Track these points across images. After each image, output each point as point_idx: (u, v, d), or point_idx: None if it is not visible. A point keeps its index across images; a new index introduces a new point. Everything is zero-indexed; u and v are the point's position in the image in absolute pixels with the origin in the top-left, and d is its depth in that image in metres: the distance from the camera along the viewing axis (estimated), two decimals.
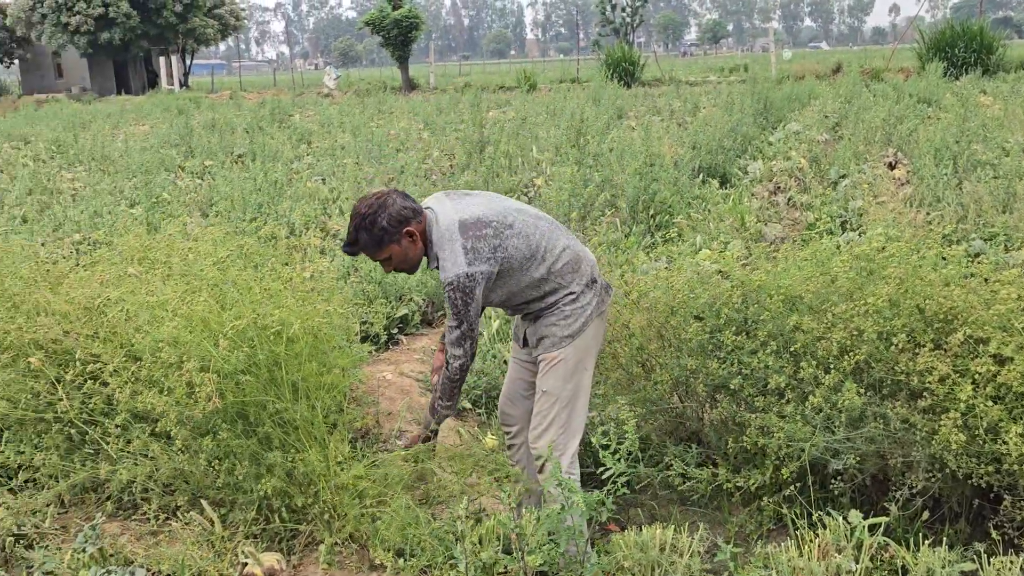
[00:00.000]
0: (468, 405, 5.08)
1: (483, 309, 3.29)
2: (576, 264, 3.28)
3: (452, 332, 3.21)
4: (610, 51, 33.16)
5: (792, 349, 3.30)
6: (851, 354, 3.14)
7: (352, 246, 3.18)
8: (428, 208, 3.22)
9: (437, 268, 3.19)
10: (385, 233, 3.10)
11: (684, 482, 3.59)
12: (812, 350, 3.27)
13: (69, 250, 7.25)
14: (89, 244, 7.36)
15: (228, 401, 3.19)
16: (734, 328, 3.46)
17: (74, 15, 43.18)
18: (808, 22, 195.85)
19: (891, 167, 10.60)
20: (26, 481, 3.70)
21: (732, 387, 3.34)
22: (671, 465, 3.63)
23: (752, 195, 9.30)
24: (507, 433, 3.68)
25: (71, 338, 3.66)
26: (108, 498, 3.66)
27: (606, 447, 2.82)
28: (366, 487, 3.50)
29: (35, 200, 10.54)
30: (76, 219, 8.42)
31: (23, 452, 3.63)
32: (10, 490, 3.70)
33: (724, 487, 3.51)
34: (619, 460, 2.79)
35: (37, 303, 3.90)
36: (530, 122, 17.30)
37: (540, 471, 3.34)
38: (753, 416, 3.37)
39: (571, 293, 3.26)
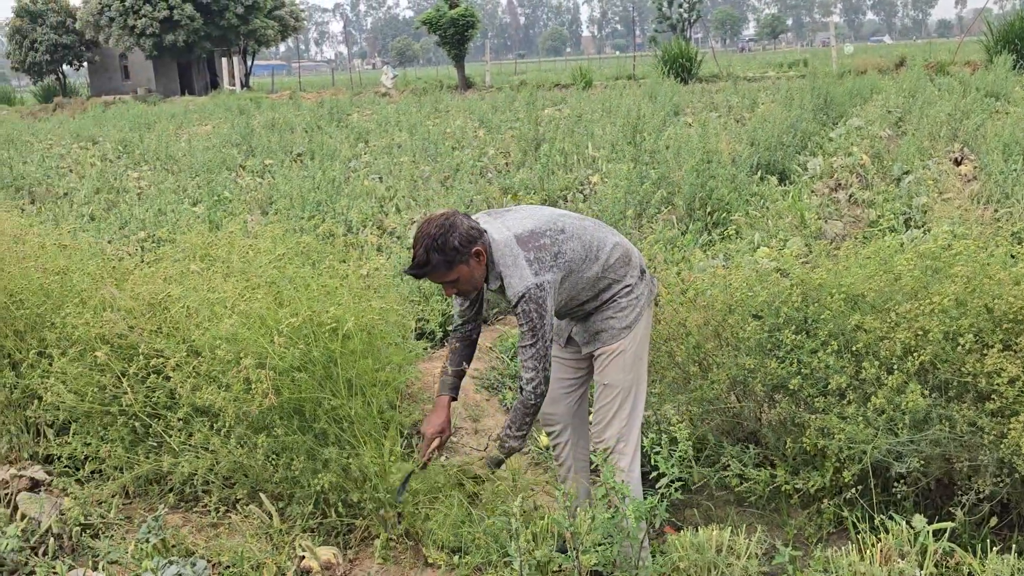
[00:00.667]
0: None
1: None
2: (627, 258, 3.28)
3: (526, 352, 3.09)
4: (666, 47, 32.84)
5: (854, 349, 3.23)
6: (915, 354, 3.06)
7: (421, 268, 3.03)
8: (490, 236, 3.15)
9: (497, 289, 3.13)
10: (456, 253, 3.00)
11: (741, 483, 3.54)
12: (875, 350, 3.19)
13: (134, 247, 7.42)
14: (153, 242, 7.53)
15: (284, 397, 3.23)
16: (794, 327, 3.40)
17: (140, 18, 44.27)
18: (870, 15, 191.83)
19: (957, 163, 10.31)
20: (92, 472, 3.80)
21: (791, 387, 3.28)
22: (728, 466, 3.58)
23: (812, 192, 9.13)
24: (550, 433, 3.65)
25: (136, 333, 3.75)
26: (170, 490, 3.74)
27: (658, 452, 2.79)
28: (419, 485, 3.52)
29: (102, 199, 10.82)
30: (141, 217, 8.62)
31: (89, 444, 3.73)
32: (77, 480, 3.80)
33: (782, 489, 3.45)
34: (672, 465, 2.76)
35: (103, 299, 4.00)
36: (585, 119, 17.25)
37: (603, 462, 3.32)
38: (813, 417, 3.31)
39: (627, 286, 3.26)
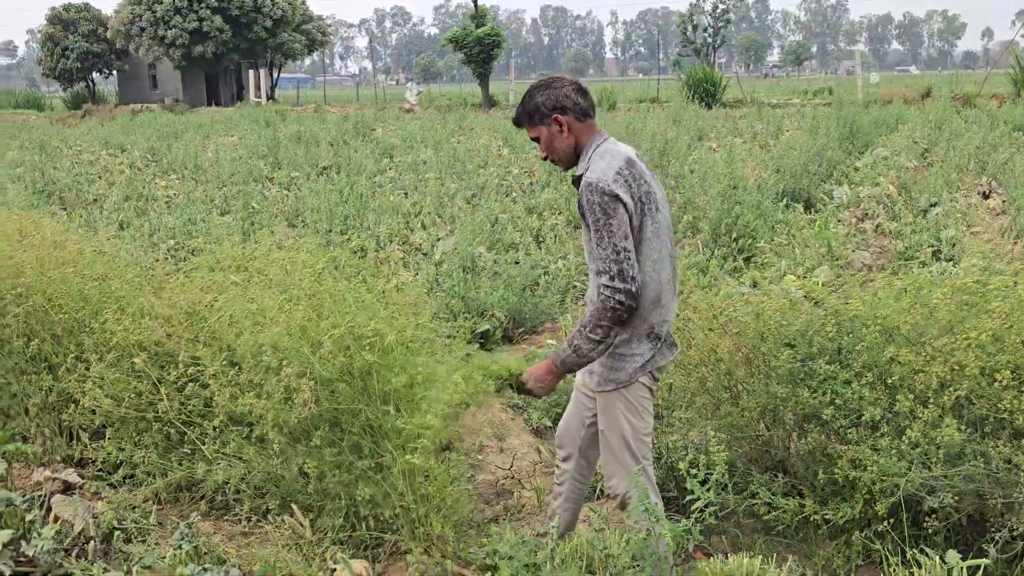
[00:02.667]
0: (548, 423, 5.09)
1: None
2: (654, 304, 3.05)
3: (596, 251, 2.92)
4: (691, 71, 32.95)
5: (888, 381, 3.24)
6: (951, 389, 3.07)
7: (517, 113, 3.16)
8: (608, 138, 3.12)
9: (574, 182, 3.07)
10: (536, 111, 3.07)
11: (769, 511, 3.53)
12: (909, 383, 3.20)
13: (164, 255, 7.51)
14: (183, 250, 7.62)
15: (323, 408, 3.27)
16: (827, 357, 3.40)
17: (170, 29, 44.86)
18: (896, 45, 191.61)
19: (985, 196, 10.30)
20: (124, 477, 3.85)
21: (825, 417, 3.29)
22: (756, 494, 3.58)
23: (839, 221, 9.13)
24: (560, 455, 3.64)
25: (173, 341, 3.80)
26: (202, 497, 3.78)
27: (694, 475, 2.80)
28: (452, 501, 3.54)
29: (132, 206, 10.95)
30: (171, 226, 8.72)
31: (124, 449, 3.78)
32: (110, 485, 3.85)
33: (811, 519, 3.45)
34: (708, 490, 2.77)
35: (141, 306, 4.06)
36: None
37: (620, 508, 3.30)
38: (845, 448, 3.32)
39: (624, 336, 3.05)
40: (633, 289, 2.90)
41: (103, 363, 3.81)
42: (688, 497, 2.79)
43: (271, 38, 47.63)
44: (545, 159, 3.18)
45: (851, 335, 3.42)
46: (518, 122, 3.17)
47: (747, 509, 3.66)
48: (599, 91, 35.48)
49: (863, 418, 3.21)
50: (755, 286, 6.58)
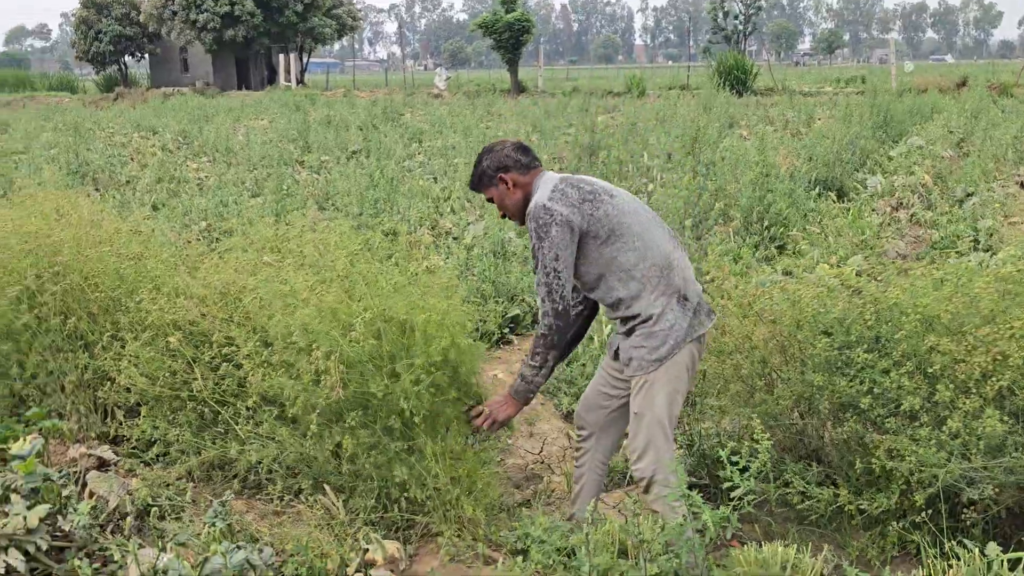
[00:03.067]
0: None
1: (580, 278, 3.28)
2: (667, 270, 3.19)
3: (536, 279, 3.20)
4: (722, 58, 32.61)
5: (928, 371, 3.19)
6: (993, 379, 3.02)
7: (471, 180, 3.46)
8: (548, 172, 3.36)
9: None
10: (484, 175, 3.36)
11: (803, 501, 3.50)
12: (950, 373, 3.15)
13: (196, 237, 7.56)
14: (216, 232, 7.66)
15: (351, 390, 3.27)
16: (865, 345, 3.36)
17: (202, 12, 45.09)
18: (930, 33, 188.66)
19: (1023, 186, 10.12)
20: (159, 455, 3.88)
21: (863, 406, 3.24)
22: (790, 482, 3.54)
23: (873, 210, 9.01)
24: (578, 436, 3.67)
25: (208, 321, 3.82)
26: (235, 476, 3.80)
27: (735, 463, 2.77)
28: (483, 485, 3.54)
29: (164, 188, 11.03)
30: (204, 208, 8.77)
31: (158, 427, 3.80)
32: (144, 462, 3.88)
33: (846, 509, 3.41)
34: (749, 478, 2.74)
35: (176, 286, 4.08)
36: (640, 128, 17.19)
37: (645, 492, 3.31)
38: (882, 438, 3.27)
39: (655, 311, 3.17)
40: (560, 308, 3.16)
41: (138, 342, 3.84)
42: (726, 484, 2.77)
43: (302, 22, 47.74)
44: (503, 217, 3.45)
45: (890, 323, 3.37)
46: (473, 187, 3.46)
47: (780, 498, 3.63)
48: (628, 77, 35.27)
49: (902, 408, 3.16)
50: (788, 274, 6.52)
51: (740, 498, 2.79)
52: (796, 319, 3.64)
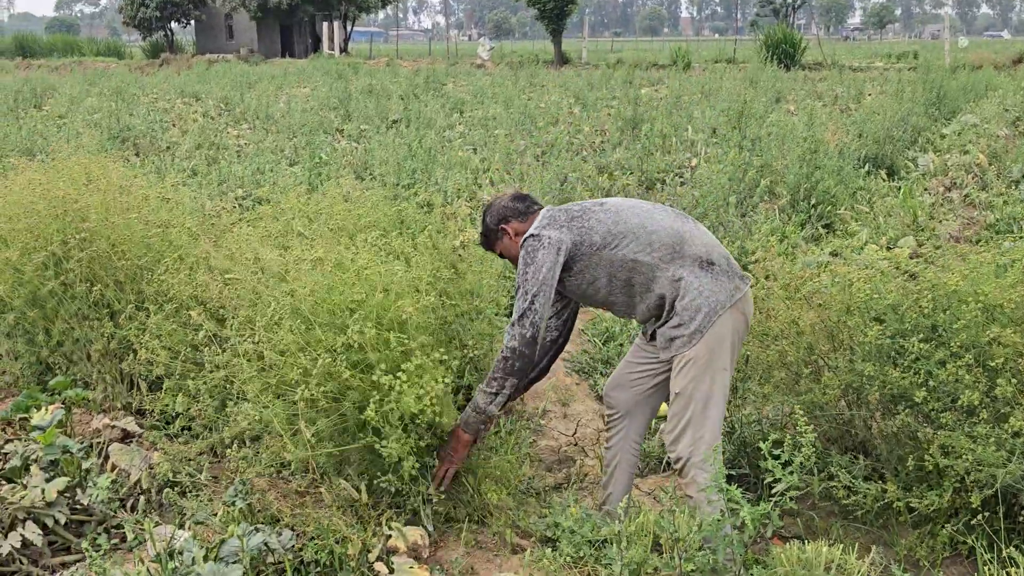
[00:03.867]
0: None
1: (578, 299, 3.28)
2: (679, 244, 3.06)
3: (515, 305, 3.08)
4: (769, 31, 31.91)
5: (989, 364, 2.98)
6: None
7: (481, 241, 3.48)
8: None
9: None
10: (488, 231, 3.35)
11: (848, 495, 3.32)
12: (1012, 367, 2.94)
13: (232, 204, 7.48)
14: (252, 199, 7.58)
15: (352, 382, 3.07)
16: (921, 335, 3.15)
17: None
18: (984, 9, 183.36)
19: None
20: (182, 428, 3.79)
21: (916, 399, 3.04)
22: (835, 476, 3.37)
23: (924, 190, 8.68)
24: (608, 415, 3.52)
25: (228, 296, 3.70)
26: (257, 453, 3.70)
27: (777, 457, 2.61)
28: (506, 470, 3.42)
29: (203, 154, 10.99)
30: (240, 175, 8.69)
31: (180, 401, 3.71)
32: (168, 436, 3.80)
33: (894, 506, 3.23)
34: (792, 473, 2.57)
35: (197, 257, 3.98)
36: (684, 101, 16.84)
37: (680, 474, 3.17)
38: (937, 433, 3.08)
39: (679, 283, 3.03)
40: (528, 335, 3.01)
41: (161, 314, 3.75)
42: (768, 479, 2.61)
43: None
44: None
45: (948, 312, 3.16)
46: (484, 246, 3.46)
47: (824, 491, 3.46)
48: (673, 50, 34.67)
49: (959, 402, 2.97)
50: (835, 255, 6.29)
51: (782, 494, 2.63)
52: (846, 304, 3.45)
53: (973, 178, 9.10)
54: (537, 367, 3.37)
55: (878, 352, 3.27)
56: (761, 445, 2.64)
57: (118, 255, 4.14)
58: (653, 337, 3.22)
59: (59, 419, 3.55)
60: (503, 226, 3.30)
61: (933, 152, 10.98)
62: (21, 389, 4.23)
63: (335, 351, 2.88)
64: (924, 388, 3.07)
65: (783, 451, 2.63)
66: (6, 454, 3.47)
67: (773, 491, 2.59)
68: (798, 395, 3.59)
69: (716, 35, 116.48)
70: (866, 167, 10.01)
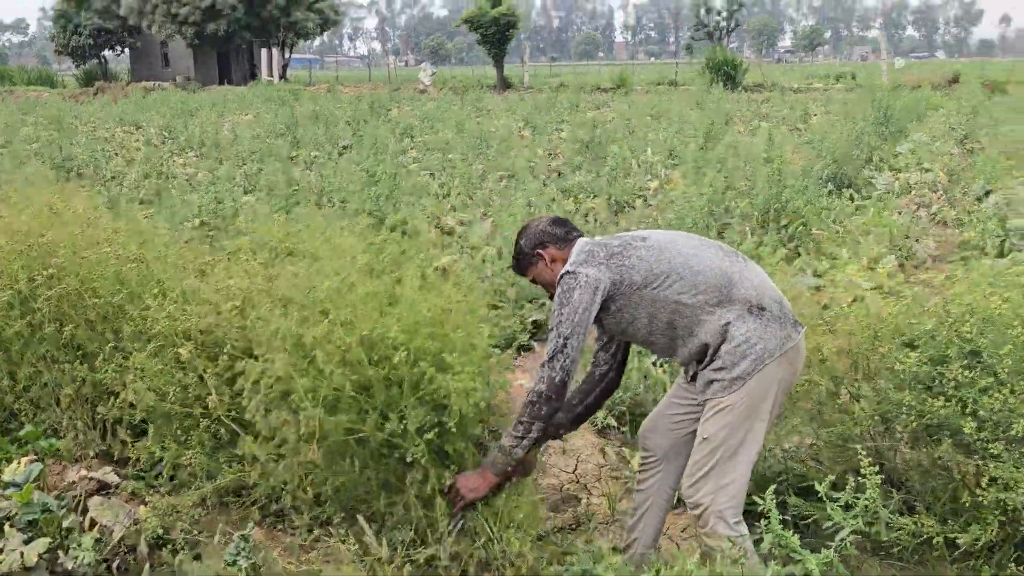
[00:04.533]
0: (613, 423, 4.74)
1: (612, 335, 3.13)
2: (727, 287, 2.87)
3: (547, 344, 2.94)
4: (710, 54, 32.46)
5: None
6: None
7: (513, 265, 3.31)
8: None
9: None
10: (522, 254, 3.18)
11: (887, 531, 3.17)
12: None
13: (189, 235, 7.16)
14: (211, 229, 7.27)
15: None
16: (963, 361, 3.03)
17: (183, 6, 44.39)
18: (911, 31, 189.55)
19: None
20: (169, 477, 3.50)
21: (966, 430, 2.90)
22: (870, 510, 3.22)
23: (895, 210, 8.73)
24: (644, 457, 3.34)
25: (222, 329, 3.44)
26: (253, 503, 3.43)
27: (836, 500, 2.44)
28: (525, 514, 3.21)
29: (151, 183, 10.61)
30: (198, 204, 8.36)
31: (167, 448, 3.42)
32: (150, 486, 3.50)
33: (933, 541, 3.09)
34: (855, 516, 2.41)
35: (184, 291, 3.70)
36: (634, 124, 16.89)
37: (698, 520, 2.99)
38: (977, 463, 2.95)
39: (725, 329, 2.85)
40: (557, 379, 2.88)
41: (144, 353, 3.46)
42: (828, 525, 2.44)
43: (284, 17, 47.11)
44: (551, 297, 3.12)
45: (988, 336, 3.04)
46: (515, 270, 3.29)
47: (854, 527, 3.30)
48: (615, 74, 35.03)
49: (1011, 432, 2.84)
50: (819, 276, 6.23)
51: (843, 539, 2.47)
52: (874, 329, 3.32)
53: (938, 196, 9.20)
54: (583, 403, 3.21)
55: (913, 379, 3.13)
56: (817, 487, 2.47)
57: (89, 293, 3.84)
58: (694, 378, 3.03)
59: (35, 473, 3.24)
60: (539, 251, 3.12)
61: (889, 170, 11.11)
62: None
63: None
64: (971, 417, 2.93)
65: (844, 494, 2.46)
66: None
67: (837, 539, 2.42)
68: (822, 425, 3.44)
69: (651, 58, 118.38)
70: (828, 186, 10.06)
